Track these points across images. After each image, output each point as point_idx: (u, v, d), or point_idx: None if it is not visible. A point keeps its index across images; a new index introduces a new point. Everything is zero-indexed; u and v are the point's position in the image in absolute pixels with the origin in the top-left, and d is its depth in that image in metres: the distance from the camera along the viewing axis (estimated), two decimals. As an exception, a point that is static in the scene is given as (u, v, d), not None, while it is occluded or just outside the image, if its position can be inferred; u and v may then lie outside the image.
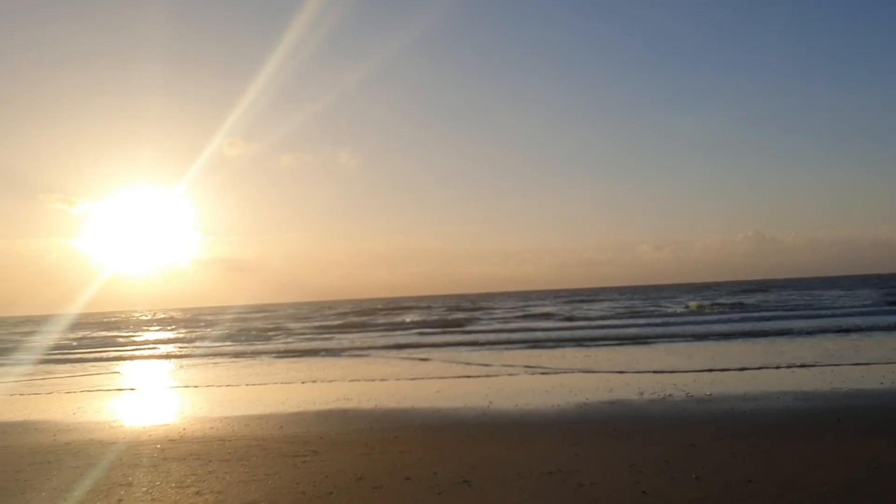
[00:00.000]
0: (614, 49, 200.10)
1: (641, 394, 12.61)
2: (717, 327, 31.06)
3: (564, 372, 16.78)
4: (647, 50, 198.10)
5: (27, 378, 22.42)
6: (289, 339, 37.75)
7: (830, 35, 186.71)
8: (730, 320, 36.21)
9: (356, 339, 35.82)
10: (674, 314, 45.66)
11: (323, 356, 26.14)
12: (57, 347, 39.41)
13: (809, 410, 10.47)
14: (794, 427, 9.25)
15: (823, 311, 39.49)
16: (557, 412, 11.21)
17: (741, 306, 50.69)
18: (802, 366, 15.83)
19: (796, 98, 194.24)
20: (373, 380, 17.20)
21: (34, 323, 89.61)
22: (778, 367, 15.71)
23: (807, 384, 13.02)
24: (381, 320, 55.80)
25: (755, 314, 40.47)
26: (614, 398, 12.28)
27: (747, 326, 30.71)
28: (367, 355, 25.64)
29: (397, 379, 17.24)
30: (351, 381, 17.23)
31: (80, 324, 75.44)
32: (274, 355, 27.37)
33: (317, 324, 54.06)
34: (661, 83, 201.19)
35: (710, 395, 12.16)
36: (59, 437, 10.66)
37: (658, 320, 39.43)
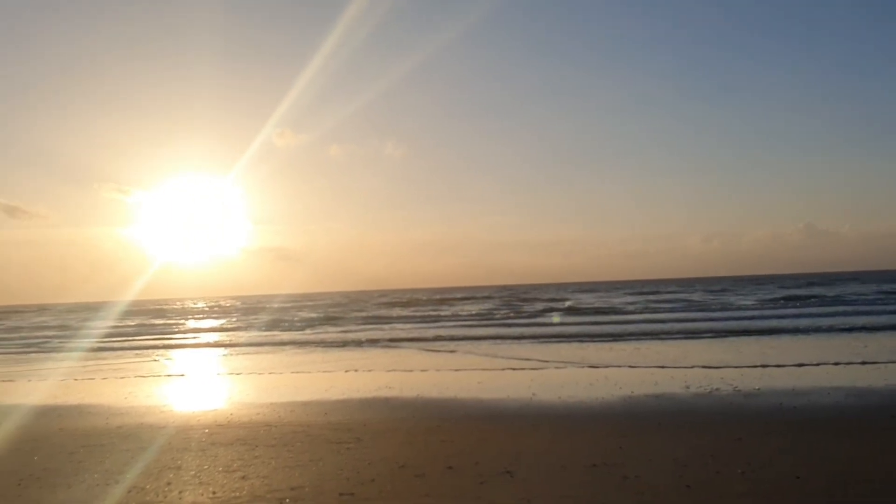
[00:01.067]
0: (661, 39, 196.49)
1: (687, 387, 12.44)
2: (773, 322, 30.44)
3: (609, 365, 16.65)
4: (695, 39, 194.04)
5: (82, 363, 23.08)
6: (333, 328, 38.12)
7: (884, 22, 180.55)
8: (787, 315, 35.31)
9: (399, 328, 36.01)
10: (723, 308, 44.83)
11: (366, 346, 26.35)
12: (110, 334, 40.46)
13: (862, 407, 10.21)
14: (845, 423, 9.03)
15: (887, 307, 38.21)
16: (602, 405, 11.13)
17: (801, 300, 49.11)
18: (862, 363, 15.39)
19: (846, 87, 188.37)
20: (415, 370, 17.29)
21: (89, 310, 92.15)
22: (837, 364, 15.29)
23: (861, 380, 12.69)
24: (423, 311, 55.96)
25: (813, 310, 39.24)
26: (660, 392, 12.14)
27: (804, 322, 30.00)
28: (409, 346, 25.76)
29: (439, 369, 17.29)
30: (394, 370, 17.34)
31: (132, 311, 77.32)
32: (318, 344, 27.70)
33: (361, 314, 54.47)
34: (710, 72, 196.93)
35: (759, 389, 11.93)
36: (112, 421, 10.95)
37: (708, 314, 38.81)
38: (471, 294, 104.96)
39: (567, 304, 57.18)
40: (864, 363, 15.19)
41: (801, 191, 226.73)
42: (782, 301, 49.35)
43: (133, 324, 51.66)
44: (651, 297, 63.59)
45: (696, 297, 62.60)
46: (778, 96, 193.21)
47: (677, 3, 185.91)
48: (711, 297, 58.89)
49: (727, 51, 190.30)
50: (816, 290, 62.24)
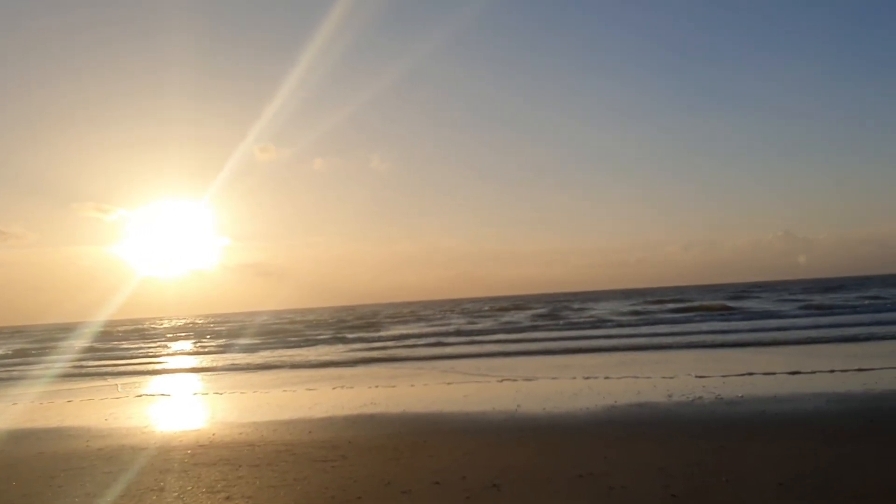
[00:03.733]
0: (642, 44, 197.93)
1: (670, 396, 12.50)
2: (747, 335, 30.67)
3: (592, 376, 16.68)
4: (675, 48, 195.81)
5: (60, 386, 22.76)
6: (315, 346, 37.90)
7: (863, 29, 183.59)
8: (759, 328, 35.63)
9: (384, 344, 35.88)
10: (706, 319, 45.05)
11: (350, 363, 26.24)
12: (89, 355, 39.93)
13: (843, 413, 10.30)
14: (827, 429, 9.10)
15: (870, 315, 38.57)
16: (586, 415, 11.15)
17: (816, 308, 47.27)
18: (864, 371, 15.55)
19: (821, 95, 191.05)
20: (400, 385, 17.23)
21: (68, 330, 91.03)
22: (832, 371, 15.40)
23: (840, 386, 12.81)
24: (409, 328, 55.75)
25: (811, 321, 39.68)
26: (643, 401, 12.18)
27: (771, 334, 30.27)
28: (393, 362, 25.71)
29: (425, 384, 17.24)
30: (378, 386, 17.28)
31: (111, 331, 76.42)
32: (301, 363, 27.52)
33: (345, 330, 54.16)
34: (689, 82, 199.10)
35: (741, 397, 12.01)
36: (92, 443, 10.81)
37: (688, 327, 39.04)
38: (455, 307, 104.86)
39: (550, 313, 57.17)
40: (860, 370, 15.30)
41: (780, 198, 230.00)
42: (805, 309, 46.65)
43: (113, 344, 51.05)
44: (653, 307, 62.19)
45: (684, 304, 62.05)
46: (754, 105, 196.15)
47: (663, 4, 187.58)
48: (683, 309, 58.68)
49: (704, 60, 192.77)
50: (815, 299, 59.13)
